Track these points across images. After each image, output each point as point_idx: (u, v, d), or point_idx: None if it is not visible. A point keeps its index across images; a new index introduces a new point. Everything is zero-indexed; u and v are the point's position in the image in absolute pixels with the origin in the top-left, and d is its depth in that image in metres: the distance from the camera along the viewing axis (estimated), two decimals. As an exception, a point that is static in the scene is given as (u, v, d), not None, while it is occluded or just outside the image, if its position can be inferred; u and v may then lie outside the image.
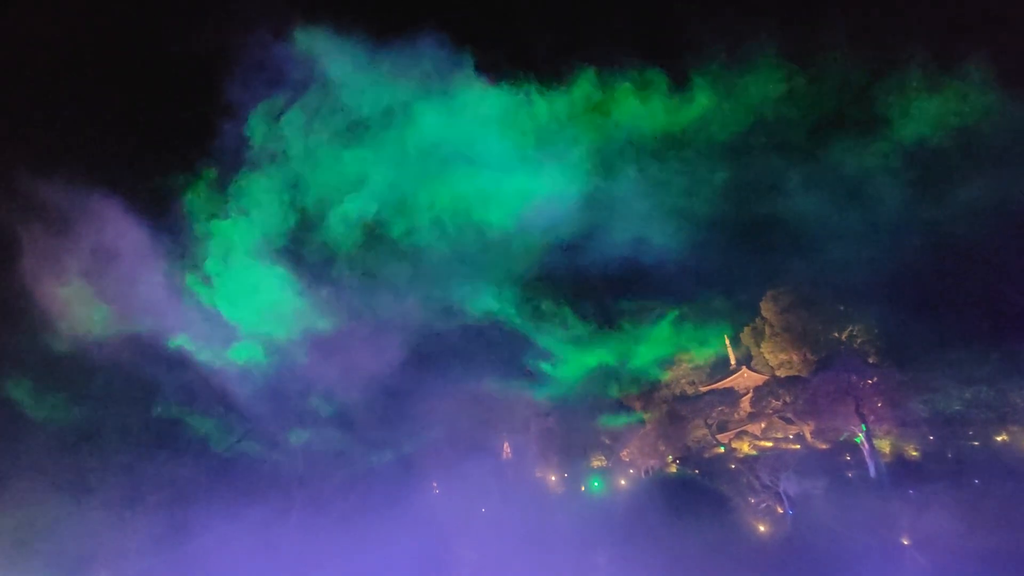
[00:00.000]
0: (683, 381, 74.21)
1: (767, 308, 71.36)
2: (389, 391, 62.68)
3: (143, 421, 52.94)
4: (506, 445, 72.83)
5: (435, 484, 68.41)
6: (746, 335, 74.23)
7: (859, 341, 67.57)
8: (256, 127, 63.11)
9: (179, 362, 55.63)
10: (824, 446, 62.38)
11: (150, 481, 50.66)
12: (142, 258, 56.10)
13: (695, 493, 60.03)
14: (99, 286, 53.14)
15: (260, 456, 56.25)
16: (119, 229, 54.53)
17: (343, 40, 62.28)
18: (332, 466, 60.64)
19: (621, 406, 72.07)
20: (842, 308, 68.89)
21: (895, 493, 53.80)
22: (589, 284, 73.95)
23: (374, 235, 66.25)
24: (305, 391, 59.91)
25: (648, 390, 73.36)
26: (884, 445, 59.90)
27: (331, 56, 62.55)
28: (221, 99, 61.23)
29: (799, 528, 54.26)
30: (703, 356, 74.08)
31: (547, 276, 72.47)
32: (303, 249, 64.41)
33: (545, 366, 71.28)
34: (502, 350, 69.94)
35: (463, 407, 67.92)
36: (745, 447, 66.22)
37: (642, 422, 70.72)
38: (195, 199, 62.31)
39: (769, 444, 65.40)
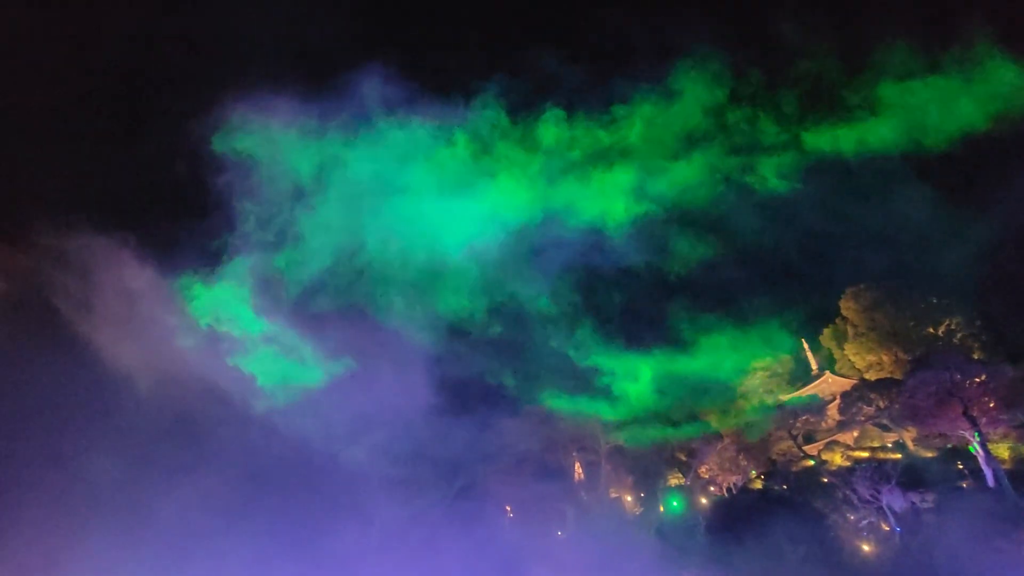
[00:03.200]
0: (760, 390, 70.04)
1: (847, 307, 66.62)
2: (453, 418, 63.40)
3: (223, 463, 55.87)
4: (577, 466, 71.32)
5: (509, 508, 67.86)
6: (826, 337, 69.50)
7: (959, 336, 61.71)
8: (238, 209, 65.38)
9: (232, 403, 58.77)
10: (930, 454, 56.79)
11: (236, 515, 53.33)
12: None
13: (786, 510, 55.50)
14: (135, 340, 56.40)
15: (335, 490, 57.84)
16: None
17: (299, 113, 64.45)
18: (406, 495, 61.48)
19: (695, 420, 68.88)
20: (935, 300, 63.24)
21: (1020, 503, 47.81)
22: (631, 292, 73.26)
23: (370, 273, 67.68)
24: (365, 424, 61.55)
25: (722, 401, 69.81)
26: (1001, 450, 53.74)
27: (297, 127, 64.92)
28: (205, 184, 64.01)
29: (910, 546, 49.09)
30: (778, 362, 69.90)
31: (584, 288, 72.15)
32: (308, 298, 66.39)
33: (609, 381, 69.76)
34: (557, 367, 69.67)
35: (531, 429, 67.44)
36: (837, 458, 61.23)
37: (719, 436, 67.21)
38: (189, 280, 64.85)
39: (865, 454, 60.17)
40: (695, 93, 67.25)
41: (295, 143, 65.40)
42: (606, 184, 69.90)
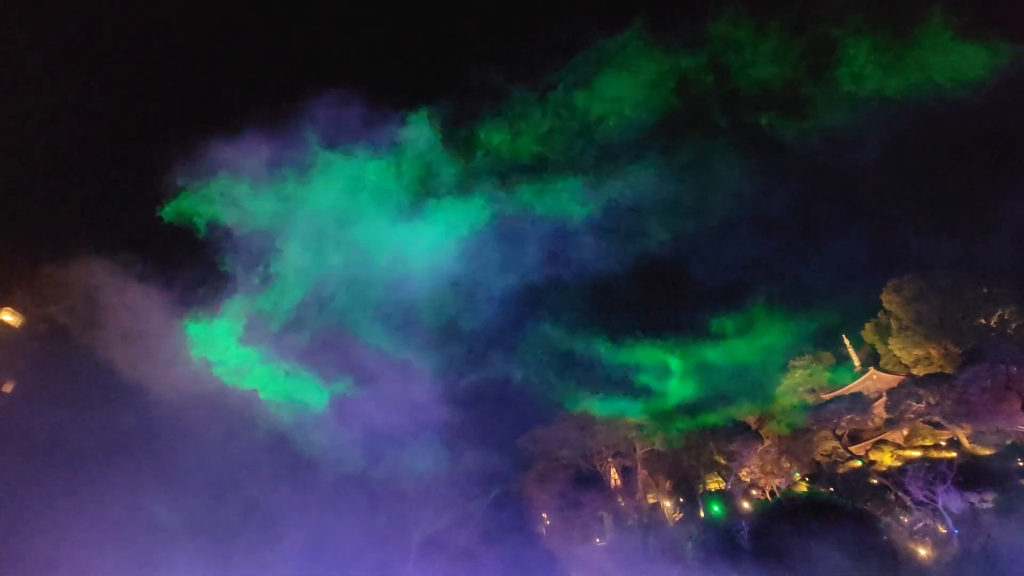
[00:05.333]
0: (800, 389, 67.66)
1: (890, 300, 64.02)
2: (487, 428, 63.84)
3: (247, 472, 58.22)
4: (613, 472, 70.33)
5: (545, 516, 67.41)
6: (868, 332, 66.98)
7: (1014, 326, 58.60)
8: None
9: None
10: (988, 451, 53.91)
11: (279, 528, 55.13)
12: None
13: (833, 514, 53.27)
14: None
15: (375, 502, 58.99)
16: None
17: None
18: (443, 504, 62.11)
19: (732, 421, 66.99)
20: (985, 290, 60.20)
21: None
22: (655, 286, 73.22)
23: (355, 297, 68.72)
24: (399, 438, 62.81)
25: (760, 398, 67.68)
26: (1066, 445, 50.73)
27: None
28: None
29: (970, 549, 46.46)
30: (818, 359, 67.59)
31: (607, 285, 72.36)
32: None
33: (641, 378, 69.11)
34: (587, 368, 69.85)
35: (565, 436, 67.05)
36: (887, 458, 58.42)
37: (759, 437, 65.13)
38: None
39: (917, 453, 57.25)
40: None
41: (260, 187, 67.57)
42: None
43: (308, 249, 68.11)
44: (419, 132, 70.28)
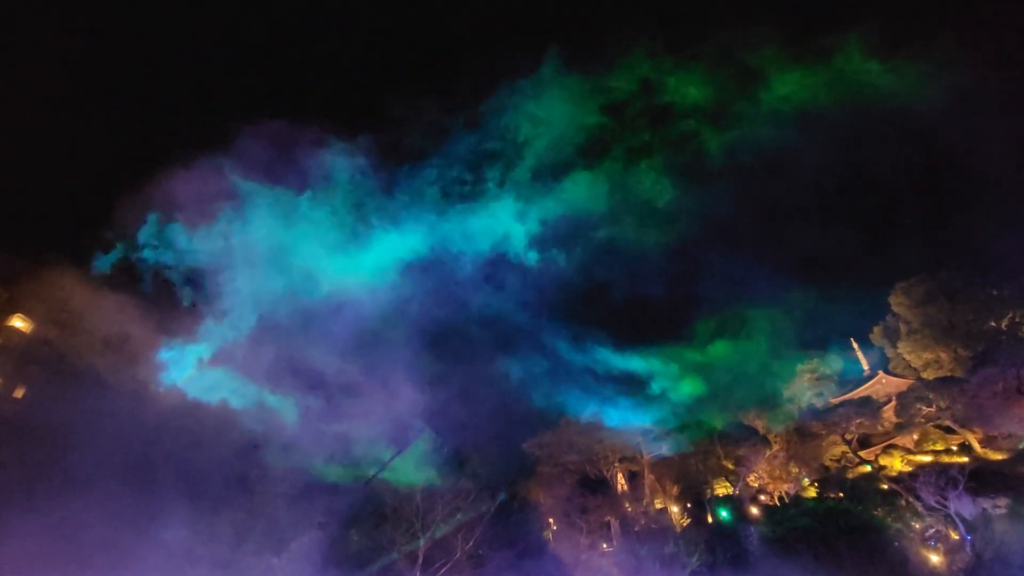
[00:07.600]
0: (808, 393, 67.15)
1: (898, 303, 63.54)
2: (493, 433, 63.91)
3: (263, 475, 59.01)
4: (620, 476, 69.97)
5: (552, 521, 67.13)
6: (876, 335, 66.39)
7: (1025, 329, 57.89)
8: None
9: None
10: (1000, 456, 53.29)
11: (282, 530, 55.41)
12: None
13: (843, 519, 52.75)
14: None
15: (379, 508, 59.12)
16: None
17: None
18: (449, 510, 62.16)
19: (740, 426, 66.55)
20: (995, 292, 59.65)
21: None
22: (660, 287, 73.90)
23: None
24: (403, 441, 63.40)
25: (768, 406, 67.21)
26: (1080, 449, 50.01)
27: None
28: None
29: (983, 555, 45.71)
30: (825, 363, 67.13)
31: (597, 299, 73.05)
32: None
33: (645, 384, 69.09)
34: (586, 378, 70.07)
35: (572, 441, 66.82)
36: (897, 463, 57.87)
37: (767, 442, 64.64)
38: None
39: (927, 458, 56.69)
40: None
41: (197, 227, 69.16)
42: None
43: (259, 277, 70.20)
44: (350, 164, 73.80)
